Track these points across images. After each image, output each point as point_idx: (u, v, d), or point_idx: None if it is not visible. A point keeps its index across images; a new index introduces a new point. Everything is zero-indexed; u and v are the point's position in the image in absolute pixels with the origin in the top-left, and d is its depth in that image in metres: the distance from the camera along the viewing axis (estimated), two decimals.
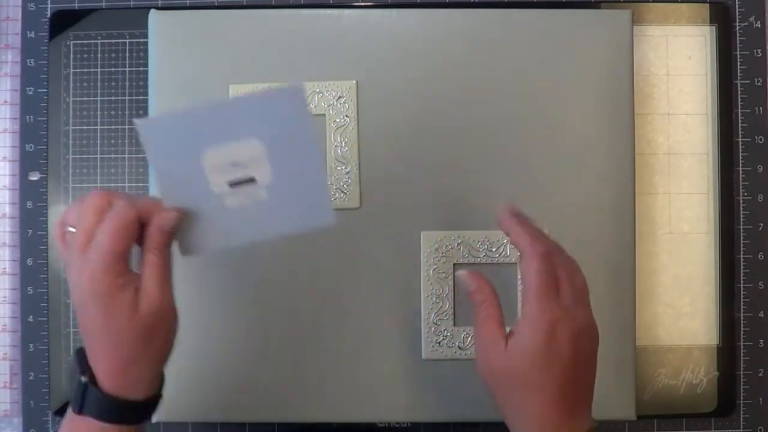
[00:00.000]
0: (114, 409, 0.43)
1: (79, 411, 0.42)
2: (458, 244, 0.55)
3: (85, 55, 0.61)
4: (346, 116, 0.55)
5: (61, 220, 0.44)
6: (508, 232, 0.46)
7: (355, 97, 0.55)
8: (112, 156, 0.61)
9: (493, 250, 0.55)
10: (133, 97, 0.61)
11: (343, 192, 0.55)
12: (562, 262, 0.45)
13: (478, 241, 0.55)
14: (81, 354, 0.44)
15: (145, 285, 0.43)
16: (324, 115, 0.55)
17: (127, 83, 0.61)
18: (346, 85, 0.55)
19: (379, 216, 0.55)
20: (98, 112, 0.61)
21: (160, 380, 0.46)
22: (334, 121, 0.55)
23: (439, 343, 0.55)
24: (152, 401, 0.45)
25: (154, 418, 0.55)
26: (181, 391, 0.55)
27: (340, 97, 0.55)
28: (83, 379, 0.42)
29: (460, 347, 0.55)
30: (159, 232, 0.43)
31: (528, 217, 0.47)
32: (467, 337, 0.55)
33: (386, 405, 0.55)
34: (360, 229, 0.55)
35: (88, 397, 0.42)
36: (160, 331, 0.43)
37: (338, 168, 0.55)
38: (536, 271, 0.43)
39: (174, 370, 0.55)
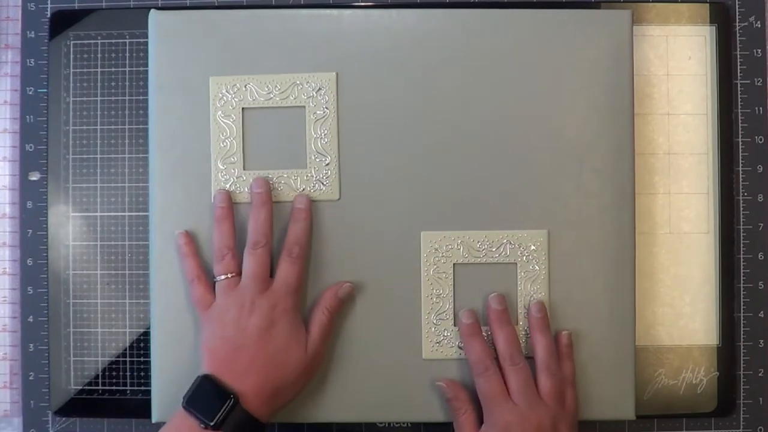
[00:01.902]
0: (250, 428, 0.49)
1: (217, 427, 0.48)
2: (458, 244, 0.55)
3: (85, 55, 0.61)
4: (326, 108, 0.55)
5: (198, 273, 0.52)
6: (463, 346, 0.54)
7: (335, 89, 0.55)
8: (112, 156, 0.61)
9: (493, 250, 0.55)
10: (133, 97, 0.61)
11: (322, 184, 0.55)
12: (515, 372, 0.51)
13: (478, 241, 0.55)
14: (210, 379, 0.49)
15: (312, 333, 0.52)
16: (304, 107, 0.55)
17: (127, 83, 0.61)
18: (326, 77, 0.55)
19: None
20: (98, 112, 0.61)
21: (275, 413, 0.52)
22: (314, 113, 0.55)
23: (439, 343, 0.55)
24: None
25: (154, 418, 0.55)
26: (181, 391, 0.55)
27: (319, 89, 0.55)
28: (231, 399, 0.48)
29: (460, 347, 0.55)
30: (333, 296, 0.53)
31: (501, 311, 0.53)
32: None
33: (386, 405, 0.55)
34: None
35: (233, 415, 0.48)
36: (309, 373, 0.52)
37: (318, 160, 0.55)
38: (479, 386, 0.52)
39: (175, 371, 0.55)
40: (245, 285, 0.51)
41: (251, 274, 0.51)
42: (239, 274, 0.52)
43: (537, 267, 0.55)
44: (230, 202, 0.54)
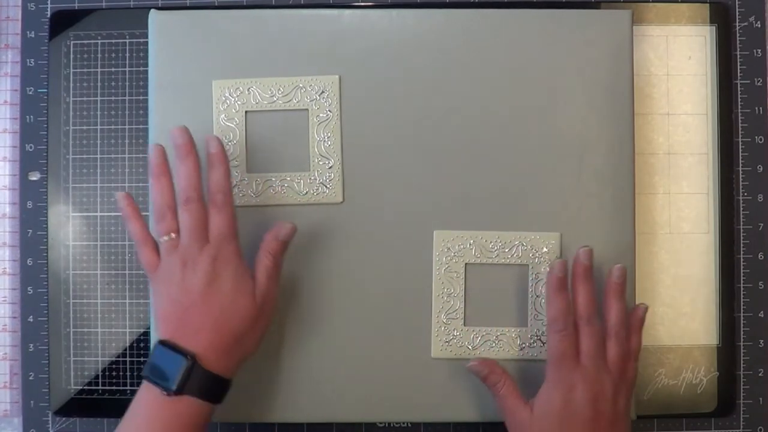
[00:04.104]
0: (214, 386, 0.48)
1: (179, 391, 0.47)
2: (471, 243, 0.55)
3: (85, 55, 0.61)
4: (329, 111, 0.55)
5: (143, 236, 0.51)
6: (546, 295, 0.53)
7: (338, 92, 0.55)
8: (112, 156, 0.61)
9: (506, 251, 0.55)
10: (133, 97, 0.61)
11: (326, 187, 0.55)
12: (590, 334, 0.50)
13: (491, 242, 0.55)
14: (167, 343, 0.48)
15: (258, 278, 0.50)
16: (307, 110, 0.55)
17: (127, 83, 0.61)
18: (329, 80, 0.55)
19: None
20: (98, 112, 0.61)
21: (242, 363, 0.51)
22: (317, 115, 0.55)
23: (449, 342, 0.55)
24: (230, 382, 0.50)
25: None
26: None
27: (322, 91, 0.55)
28: (188, 359, 0.47)
29: (469, 347, 0.55)
30: (275, 239, 0.51)
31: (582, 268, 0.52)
32: (476, 338, 0.55)
33: (393, 404, 0.55)
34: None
35: (193, 376, 0.47)
36: (262, 320, 0.51)
37: (321, 163, 0.55)
38: (553, 343, 0.51)
39: None
40: (185, 243, 0.49)
41: (188, 231, 0.49)
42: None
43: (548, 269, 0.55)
44: (166, 157, 0.51)
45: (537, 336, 0.55)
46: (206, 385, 0.48)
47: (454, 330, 0.55)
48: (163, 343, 0.48)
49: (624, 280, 0.52)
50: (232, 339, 0.49)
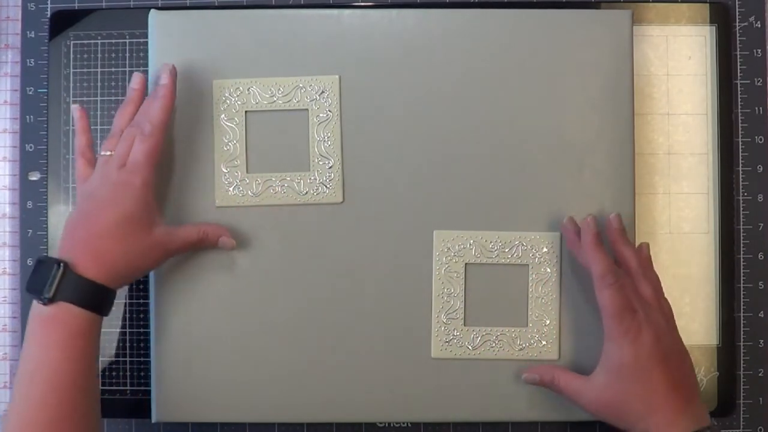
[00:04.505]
0: (90, 292, 0.48)
1: (52, 299, 0.47)
2: (471, 243, 0.55)
3: (85, 55, 0.61)
4: (329, 111, 0.55)
5: (83, 149, 0.53)
6: (586, 255, 0.52)
7: (338, 92, 0.55)
8: None
9: (506, 251, 0.55)
10: None
11: (325, 186, 0.55)
12: (630, 280, 0.51)
13: (491, 242, 0.55)
14: (45, 255, 0.48)
15: (176, 230, 0.52)
16: (307, 110, 0.55)
17: (127, 83, 0.61)
18: (329, 80, 0.55)
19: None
20: (98, 112, 0.61)
21: (127, 279, 0.52)
22: (317, 116, 0.55)
23: (449, 342, 0.55)
24: (113, 293, 0.50)
25: (154, 418, 0.56)
26: (181, 391, 0.55)
27: (322, 91, 0.55)
28: (59, 266, 0.47)
29: (469, 347, 0.55)
30: (215, 232, 0.53)
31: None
32: (476, 338, 0.55)
33: (393, 404, 0.55)
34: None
35: (66, 282, 0.47)
36: (153, 256, 0.51)
37: (321, 163, 0.55)
38: (608, 298, 0.50)
39: (175, 371, 0.55)
40: (111, 162, 0.51)
41: (118, 152, 0.51)
42: None
43: (549, 269, 0.55)
44: (145, 86, 0.54)
45: (537, 336, 0.55)
46: (82, 291, 0.48)
47: (454, 330, 0.55)
48: (43, 256, 0.49)
49: (623, 225, 0.54)
50: (121, 258, 0.49)
